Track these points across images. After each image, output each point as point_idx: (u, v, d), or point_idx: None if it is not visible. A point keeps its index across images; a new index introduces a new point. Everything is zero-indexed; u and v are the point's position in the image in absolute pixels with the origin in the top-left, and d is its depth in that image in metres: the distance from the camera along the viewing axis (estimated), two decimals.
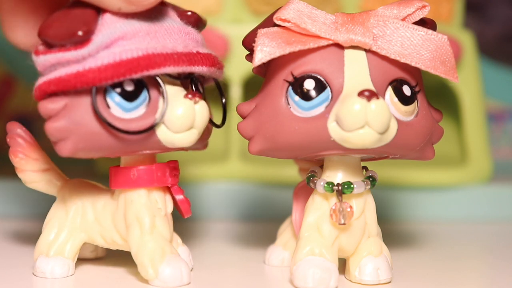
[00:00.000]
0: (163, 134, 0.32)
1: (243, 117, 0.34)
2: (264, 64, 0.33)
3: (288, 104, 0.33)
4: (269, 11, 0.34)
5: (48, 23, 0.32)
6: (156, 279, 0.33)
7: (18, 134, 0.36)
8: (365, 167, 0.36)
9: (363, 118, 0.31)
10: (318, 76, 0.32)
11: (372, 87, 0.32)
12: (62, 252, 0.36)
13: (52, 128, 0.32)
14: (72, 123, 0.32)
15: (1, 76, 0.68)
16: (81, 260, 0.38)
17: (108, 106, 0.32)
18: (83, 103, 0.32)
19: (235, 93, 0.53)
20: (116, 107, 0.32)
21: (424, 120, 0.33)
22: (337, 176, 0.34)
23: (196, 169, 0.52)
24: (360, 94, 0.31)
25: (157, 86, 0.32)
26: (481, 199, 0.54)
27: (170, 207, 0.35)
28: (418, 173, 0.53)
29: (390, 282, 0.35)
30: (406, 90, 0.33)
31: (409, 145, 0.33)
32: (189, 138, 0.33)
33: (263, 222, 0.50)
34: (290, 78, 0.33)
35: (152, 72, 0.32)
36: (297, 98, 0.32)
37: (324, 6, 0.55)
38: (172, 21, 0.34)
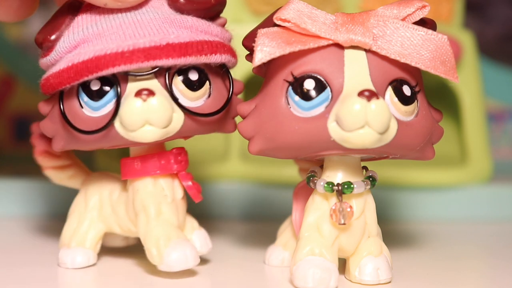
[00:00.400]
0: (122, 131, 0.33)
1: (243, 117, 0.34)
2: (264, 64, 0.33)
3: (288, 104, 0.33)
4: (269, 11, 0.34)
5: (40, 29, 0.34)
6: (162, 263, 0.34)
7: (41, 134, 0.38)
8: (365, 167, 0.36)
9: (363, 118, 0.31)
10: (318, 76, 0.32)
11: (372, 87, 0.32)
12: (82, 243, 0.37)
13: (42, 126, 0.35)
14: (54, 122, 0.34)
15: (1, 76, 0.68)
16: (105, 251, 0.39)
17: (81, 106, 0.33)
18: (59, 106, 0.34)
19: None
20: (86, 107, 0.33)
21: (424, 120, 0.33)
22: (337, 176, 0.34)
23: (196, 169, 0.52)
24: (360, 94, 0.31)
25: (126, 82, 0.33)
26: (481, 199, 0.53)
27: (179, 193, 0.36)
28: (418, 173, 0.53)
29: (390, 282, 0.35)
30: (406, 90, 0.33)
31: (409, 145, 0.33)
32: (148, 134, 0.32)
33: (263, 222, 0.50)
34: (290, 78, 0.33)
35: (103, 72, 0.32)
36: (297, 98, 0.32)
37: (324, 6, 0.55)
38: (154, 12, 0.33)
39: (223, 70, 0.35)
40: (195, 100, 0.34)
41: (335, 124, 0.32)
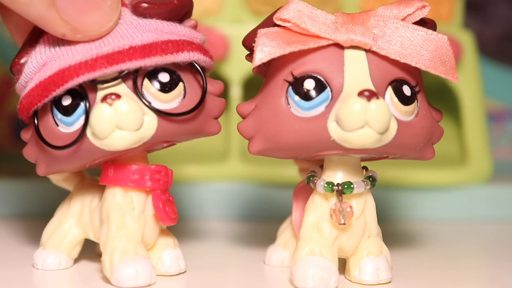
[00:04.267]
0: (95, 141, 0.32)
1: (243, 117, 0.34)
2: (264, 64, 0.33)
3: (288, 104, 0.33)
4: (269, 11, 0.34)
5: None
6: (112, 277, 0.33)
7: None
8: (365, 167, 0.36)
9: (363, 118, 0.31)
10: (318, 76, 0.32)
11: (372, 87, 0.32)
12: (57, 246, 0.37)
13: (25, 153, 0.35)
14: (34, 146, 0.34)
15: (1, 76, 0.68)
16: (83, 257, 0.38)
17: (57, 124, 0.33)
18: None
19: (235, 93, 0.53)
20: (60, 123, 0.33)
21: (424, 120, 0.33)
22: (337, 176, 0.34)
23: (196, 169, 0.52)
24: (360, 94, 0.31)
25: (95, 92, 0.32)
26: (481, 199, 0.54)
27: (152, 208, 0.35)
28: (418, 173, 0.53)
29: (390, 282, 0.35)
30: (406, 90, 0.33)
31: (409, 145, 0.33)
32: (121, 140, 0.32)
33: (263, 222, 0.50)
34: (290, 78, 0.33)
35: (69, 84, 0.31)
36: (297, 98, 0.32)
37: (324, 6, 0.55)
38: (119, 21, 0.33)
39: (194, 69, 0.34)
40: (169, 102, 0.33)
41: (335, 124, 0.32)
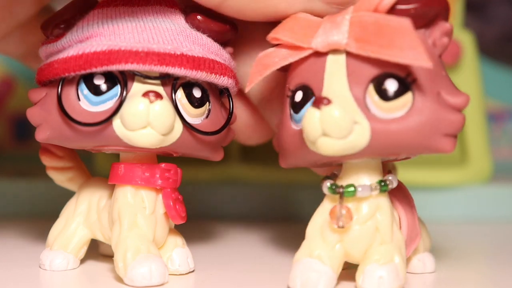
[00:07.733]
0: (119, 130, 0.32)
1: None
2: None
3: (291, 119, 0.33)
4: None
5: (48, 16, 0.34)
6: (125, 277, 0.33)
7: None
8: (389, 170, 0.34)
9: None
10: (306, 86, 0.32)
11: (348, 91, 0.31)
12: (65, 247, 0.36)
13: (29, 113, 0.34)
14: (44, 110, 0.33)
15: (1, 76, 0.68)
16: (87, 257, 0.38)
17: (78, 98, 0.33)
18: (56, 93, 0.33)
19: None
20: (84, 100, 0.33)
21: (419, 113, 0.30)
22: (351, 178, 0.33)
23: (197, 169, 0.52)
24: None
25: (132, 82, 0.32)
26: (481, 199, 0.54)
27: (162, 207, 0.35)
28: (418, 173, 0.53)
29: None
30: (390, 85, 0.30)
31: (403, 143, 0.31)
32: (146, 137, 0.32)
33: (263, 222, 0.50)
34: (289, 93, 0.33)
35: (113, 67, 0.32)
36: (292, 112, 0.33)
37: None
38: (170, 23, 0.33)
39: (225, 95, 0.35)
40: (194, 117, 0.34)
41: None
